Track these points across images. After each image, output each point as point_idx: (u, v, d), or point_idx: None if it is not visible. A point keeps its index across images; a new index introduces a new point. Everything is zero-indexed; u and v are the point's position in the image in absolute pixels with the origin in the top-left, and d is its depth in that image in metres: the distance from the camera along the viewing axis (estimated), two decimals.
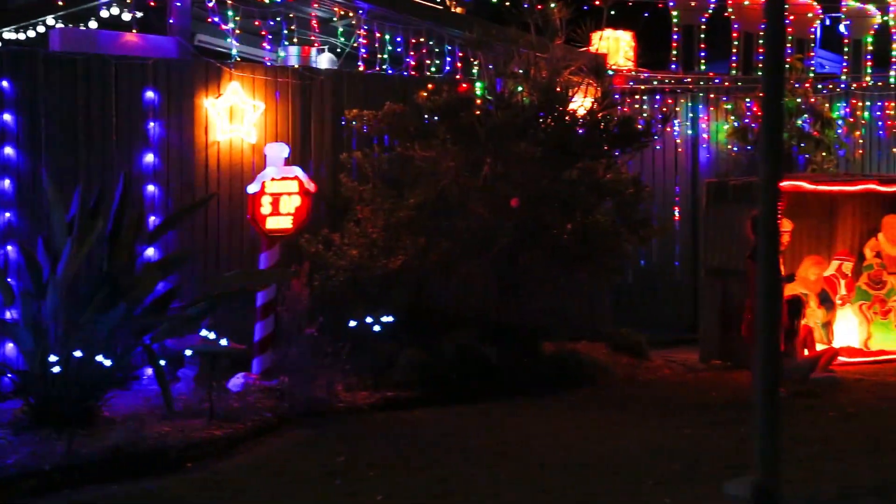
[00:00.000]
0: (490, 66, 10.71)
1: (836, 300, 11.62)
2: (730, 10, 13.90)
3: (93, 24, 11.48)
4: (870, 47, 14.48)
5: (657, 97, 13.41)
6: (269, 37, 11.42)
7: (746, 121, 13.26)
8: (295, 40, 11.59)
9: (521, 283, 10.43)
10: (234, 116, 10.39)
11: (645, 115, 12.29)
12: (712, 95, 13.57)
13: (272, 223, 9.72)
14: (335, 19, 11.83)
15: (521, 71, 10.53)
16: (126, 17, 11.29)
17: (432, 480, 6.85)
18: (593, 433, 8.13)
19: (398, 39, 11.93)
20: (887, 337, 11.68)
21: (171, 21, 11.07)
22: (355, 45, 11.83)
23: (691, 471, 6.86)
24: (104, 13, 11.41)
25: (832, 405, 9.02)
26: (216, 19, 11.13)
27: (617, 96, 12.16)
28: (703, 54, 13.94)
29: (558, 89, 10.37)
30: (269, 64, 11.29)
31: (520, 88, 10.45)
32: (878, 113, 14.20)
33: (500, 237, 10.08)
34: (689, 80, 13.60)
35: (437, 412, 8.98)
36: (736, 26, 13.98)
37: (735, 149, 13.38)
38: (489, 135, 9.99)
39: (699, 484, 6.45)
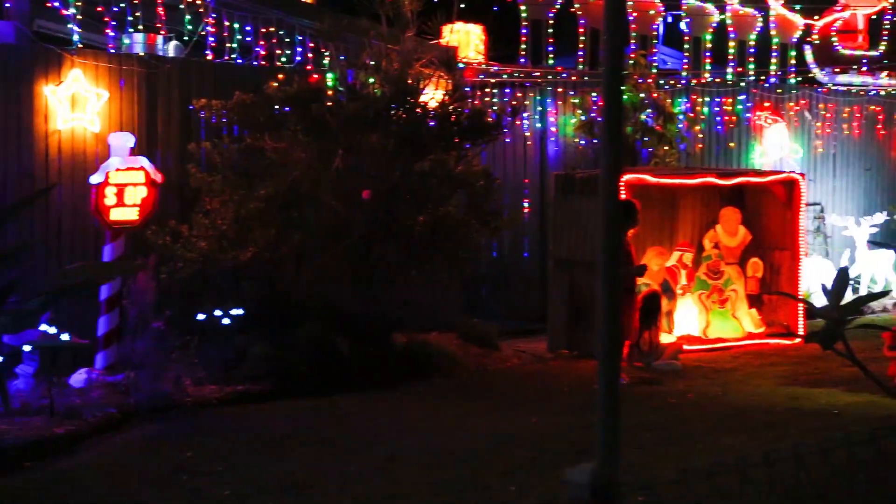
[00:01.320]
0: (342, 58, 10.68)
1: (677, 290, 11.99)
2: (576, 6, 14.19)
3: None
4: (709, 45, 15.02)
5: (507, 90, 13.59)
6: (113, 23, 11.09)
7: (593, 114, 13.55)
8: (140, 27, 11.30)
9: (374, 275, 10.44)
10: (77, 104, 10.08)
11: (495, 108, 12.44)
12: (560, 89, 13.83)
13: (117, 214, 9.48)
14: (182, 6, 11.57)
15: (372, 62, 10.53)
16: None
17: (282, 474, 6.81)
18: (443, 423, 8.20)
19: (247, 28, 11.76)
20: (725, 325, 12.13)
21: (7, 5, 10.65)
22: (203, 33, 11.61)
23: (537, 458, 7.00)
24: None
25: (673, 392, 9.32)
26: (56, 4, 10.75)
27: (468, 89, 12.29)
28: (550, 49, 14.20)
29: (410, 81, 10.40)
30: (112, 51, 10.97)
31: (371, 80, 10.45)
32: (717, 108, 14.74)
33: (352, 229, 10.06)
34: (537, 73, 13.85)
35: (289, 405, 8.91)
36: (582, 22, 14.29)
37: (582, 142, 13.67)
38: (341, 126, 9.95)
39: (545, 470, 6.59)
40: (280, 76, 10.58)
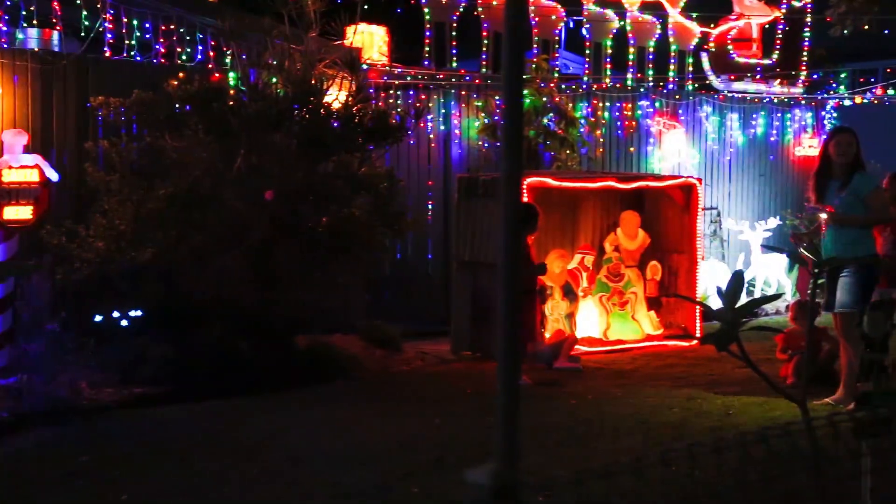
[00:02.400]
0: (244, 57, 10.57)
1: (578, 292, 12.13)
2: (480, 9, 14.27)
3: None
4: (609, 50, 15.24)
5: (411, 92, 13.61)
6: (6, 17, 10.80)
7: (496, 118, 13.65)
8: (35, 22, 11.02)
9: (277, 277, 10.34)
10: None
11: (399, 109, 12.45)
12: (464, 92, 13.90)
13: (10, 213, 9.23)
14: (79, 1, 11.32)
15: (275, 62, 10.44)
16: None
17: (182, 477, 6.70)
18: (346, 426, 8.17)
19: (147, 25, 11.57)
20: (625, 327, 12.32)
21: None
22: (101, 29, 11.38)
23: (440, 460, 7.01)
24: None
25: (574, 393, 9.42)
26: None
27: (372, 90, 12.27)
28: (454, 52, 14.25)
29: (313, 82, 10.35)
30: (5, 46, 10.68)
31: (274, 80, 10.36)
32: (617, 113, 14.97)
33: (255, 230, 9.96)
34: (441, 76, 13.88)
35: (189, 408, 8.78)
36: (485, 25, 14.38)
37: (485, 145, 13.74)
38: (243, 126, 9.85)
39: (448, 472, 6.61)
40: (181, 74, 10.43)
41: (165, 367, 9.34)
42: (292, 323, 10.38)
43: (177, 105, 9.96)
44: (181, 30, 11.69)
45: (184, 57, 11.69)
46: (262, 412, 8.68)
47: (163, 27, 11.62)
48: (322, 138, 10.15)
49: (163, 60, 11.57)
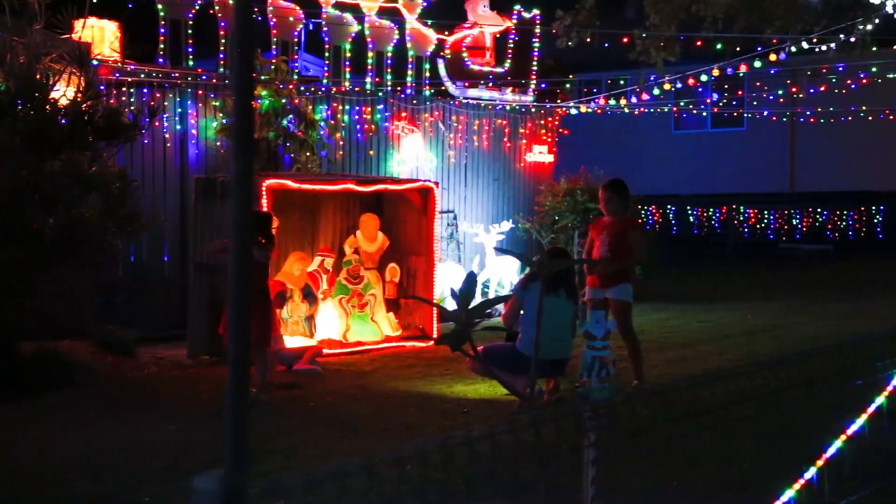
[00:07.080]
0: None
1: (318, 295, 12.15)
2: (216, 7, 14.01)
3: None
4: (349, 54, 15.33)
5: (145, 90, 13.20)
6: None
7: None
8: None
9: None
10: None
11: (132, 108, 12.05)
12: (201, 92, 13.62)
13: None
14: None
15: None
16: None
17: None
18: (74, 435, 7.83)
19: None
20: (364, 329, 12.43)
21: None
22: None
23: (174, 467, 6.85)
24: None
25: (313, 396, 9.43)
26: None
27: (103, 87, 11.82)
28: (191, 50, 13.93)
29: (38, 76, 9.86)
30: None
31: None
32: (357, 117, 15.10)
33: None
34: (176, 75, 13.53)
35: None
36: (222, 24, 14.13)
37: (223, 145, 13.52)
38: None
39: (181, 479, 6.40)
40: None
41: None
42: (17, 330, 9.84)
43: None
44: None
45: None
46: None
47: None
48: (48, 136, 9.67)
49: None
